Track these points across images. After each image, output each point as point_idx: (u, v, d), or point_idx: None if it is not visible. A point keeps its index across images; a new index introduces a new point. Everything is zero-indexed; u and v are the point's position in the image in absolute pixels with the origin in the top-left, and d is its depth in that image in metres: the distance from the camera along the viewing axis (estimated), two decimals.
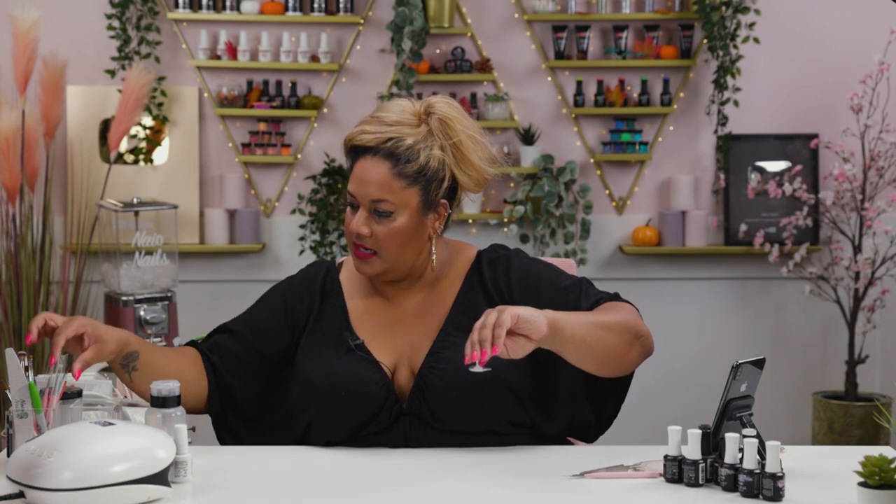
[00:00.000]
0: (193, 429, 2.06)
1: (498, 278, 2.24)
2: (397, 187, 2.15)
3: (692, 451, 1.88)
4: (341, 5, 4.79)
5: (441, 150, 2.17)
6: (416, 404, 2.15)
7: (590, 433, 2.29)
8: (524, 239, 4.77)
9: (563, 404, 2.21)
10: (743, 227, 4.78)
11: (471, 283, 2.25)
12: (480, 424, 2.15)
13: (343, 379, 2.15)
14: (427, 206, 2.18)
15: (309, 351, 2.22)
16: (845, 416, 4.52)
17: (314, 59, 4.82)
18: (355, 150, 2.18)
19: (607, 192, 4.91)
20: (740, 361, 1.90)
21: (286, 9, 4.79)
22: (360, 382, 2.14)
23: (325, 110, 4.88)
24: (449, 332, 2.19)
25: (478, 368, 1.96)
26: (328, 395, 2.15)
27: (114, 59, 4.69)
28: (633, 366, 2.17)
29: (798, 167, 4.63)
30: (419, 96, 4.79)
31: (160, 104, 4.75)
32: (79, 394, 1.99)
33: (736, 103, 4.71)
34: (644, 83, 4.83)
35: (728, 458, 1.85)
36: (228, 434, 2.27)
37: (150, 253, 4.51)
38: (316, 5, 4.79)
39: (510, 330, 1.97)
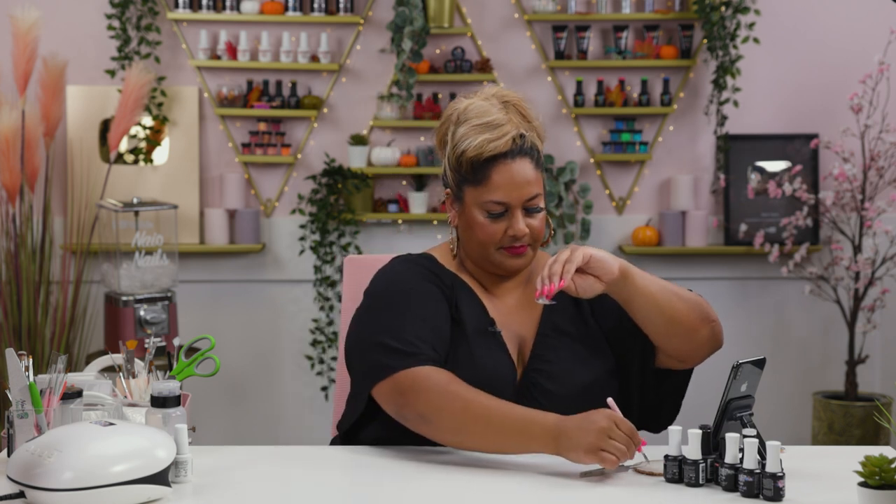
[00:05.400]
0: (193, 429, 2.06)
1: None
2: (541, 177, 2.19)
3: (692, 451, 1.88)
4: (341, 5, 4.78)
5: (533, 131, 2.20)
6: (525, 402, 2.12)
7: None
8: None
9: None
10: (743, 227, 4.77)
11: None
12: None
13: (483, 370, 2.13)
14: (545, 185, 2.23)
15: (455, 339, 2.16)
16: (845, 416, 4.51)
17: (314, 59, 4.81)
18: (488, 161, 2.14)
19: (607, 192, 4.90)
20: (740, 361, 1.90)
21: (286, 9, 4.78)
22: (498, 379, 2.13)
23: (325, 110, 4.87)
24: (547, 333, 2.21)
25: (544, 301, 2.05)
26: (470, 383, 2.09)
27: (114, 59, 4.69)
28: (702, 350, 2.18)
29: (798, 167, 4.62)
30: (419, 97, 4.79)
31: (160, 104, 4.75)
32: (79, 394, 1.99)
33: (736, 103, 4.71)
34: (644, 83, 4.83)
35: (728, 458, 1.85)
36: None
37: (150, 253, 4.51)
38: (316, 5, 4.79)
39: (581, 269, 2.06)
